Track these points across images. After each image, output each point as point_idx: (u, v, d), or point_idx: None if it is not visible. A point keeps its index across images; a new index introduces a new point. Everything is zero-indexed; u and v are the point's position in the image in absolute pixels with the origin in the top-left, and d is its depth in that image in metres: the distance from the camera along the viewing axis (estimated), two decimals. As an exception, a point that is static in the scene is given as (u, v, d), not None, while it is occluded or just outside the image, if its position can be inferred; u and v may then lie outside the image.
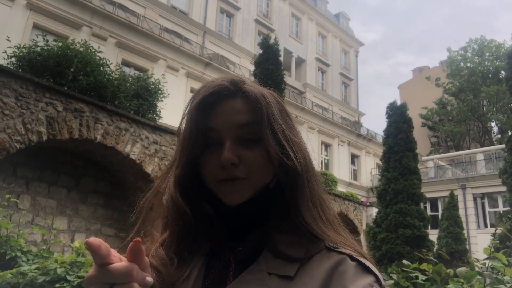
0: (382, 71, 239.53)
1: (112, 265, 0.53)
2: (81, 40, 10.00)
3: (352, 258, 0.68)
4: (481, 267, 2.67)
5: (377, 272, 0.66)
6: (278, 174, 0.74)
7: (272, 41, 9.15)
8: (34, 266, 2.92)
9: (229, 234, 0.75)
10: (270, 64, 8.30)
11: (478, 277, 2.32)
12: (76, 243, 3.90)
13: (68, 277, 2.73)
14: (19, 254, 3.47)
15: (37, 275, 2.78)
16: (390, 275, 2.94)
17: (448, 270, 2.92)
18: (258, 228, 0.74)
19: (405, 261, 2.99)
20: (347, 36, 35.26)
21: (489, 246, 2.71)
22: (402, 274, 2.91)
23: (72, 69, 8.92)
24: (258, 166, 0.72)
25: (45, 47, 8.96)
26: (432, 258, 3.09)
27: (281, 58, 9.65)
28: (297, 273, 0.67)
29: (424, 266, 2.84)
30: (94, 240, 0.53)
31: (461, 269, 2.55)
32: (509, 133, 8.92)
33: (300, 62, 30.11)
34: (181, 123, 0.79)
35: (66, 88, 8.69)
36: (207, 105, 0.75)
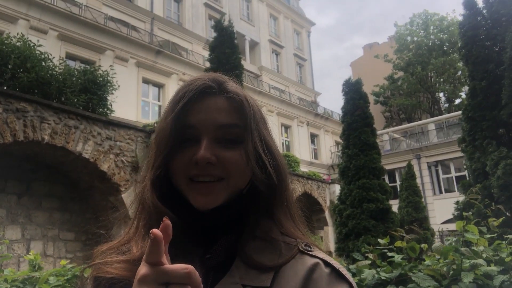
0: (338, 54, 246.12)
1: (169, 266, 0.51)
2: (17, 34, 9.20)
3: (327, 264, 0.67)
4: (451, 240, 2.70)
5: (350, 279, 0.66)
6: (256, 181, 0.71)
7: (226, 23, 8.84)
8: None
9: (197, 240, 0.70)
10: (226, 48, 8.03)
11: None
12: (31, 255, 3.59)
13: (21, 297, 2.51)
14: (-39, 277, 3.10)
15: (-16, 299, 2.53)
16: (366, 255, 2.95)
17: (422, 245, 2.92)
18: (228, 234, 0.70)
19: (380, 240, 2.97)
20: (298, 17, 35.19)
21: (463, 217, 2.74)
22: (375, 251, 2.90)
23: (9, 66, 8.24)
24: (236, 167, 0.69)
25: (-24, 44, 8.19)
26: (404, 234, 3.10)
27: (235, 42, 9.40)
28: (273, 282, 0.65)
29: (398, 243, 2.86)
30: (159, 233, 0.50)
31: (436, 245, 2.54)
32: (464, 102, 9.19)
33: (253, 45, 29.81)
34: (158, 123, 0.76)
35: (5, 88, 8.02)
36: (187, 102, 0.71)
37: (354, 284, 0.66)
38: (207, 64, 9.71)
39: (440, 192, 21.87)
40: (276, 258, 0.68)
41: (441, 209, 20.14)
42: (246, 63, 27.41)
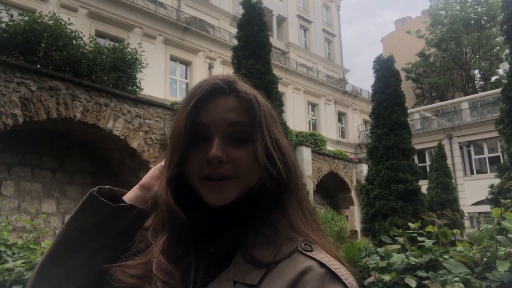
0: (369, 30, 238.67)
1: None
2: (49, 12, 9.36)
3: (322, 265, 0.65)
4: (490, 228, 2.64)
5: (348, 280, 0.64)
6: (263, 178, 0.73)
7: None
8: (20, 261, 2.74)
9: (203, 235, 0.74)
10: (254, 25, 7.79)
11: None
12: (64, 227, 3.73)
13: (57, 270, 2.62)
14: (3, 248, 3.26)
15: (24, 270, 2.61)
16: (395, 238, 2.91)
17: (454, 231, 2.86)
18: (232, 229, 0.73)
19: (411, 224, 2.92)
20: (327, -10, 34.11)
21: (499, 202, 2.71)
22: (404, 235, 2.85)
23: (42, 45, 8.42)
24: (245, 166, 0.72)
25: (11, 23, 8.38)
26: (435, 219, 3.03)
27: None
28: (262, 280, 0.66)
29: (429, 228, 2.81)
30: None
31: (470, 231, 2.48)
32: (502, 80, 8.68)
33: (281, 20, 29.20)
34: (174, 123, 0.77)
35: (38, 66, 8.22)
36: (199, 102, 0.73)
37: (351, 285, 0.64)
38: (235, 42, 9.57)
39: (472, 173, 21.26)
40: (273, 255, 0.69)
41: (471, 190, 19.62)
42: (273, 40, 26.93)
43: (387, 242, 3.03)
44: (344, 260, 0.71)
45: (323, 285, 0.63)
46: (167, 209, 0.72)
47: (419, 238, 2.63)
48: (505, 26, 8.47)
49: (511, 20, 8.27)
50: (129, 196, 0.81)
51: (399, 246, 2.67)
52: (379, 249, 2.78)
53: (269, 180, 0.73)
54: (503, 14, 8.74)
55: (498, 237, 2.21)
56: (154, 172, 0.84)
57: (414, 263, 2.33)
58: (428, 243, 2.52)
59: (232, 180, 0.71)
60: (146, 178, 0.84)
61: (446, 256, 2.33)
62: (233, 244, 0.72)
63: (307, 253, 0.68)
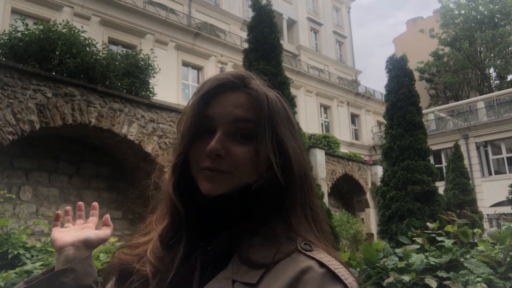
0: (381, 32, 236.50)
1: None
2: (63, 21, 9.53)
3: (322, 265, 0.64)
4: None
5: (348, 281, 0.63)
6: (264, 177, 0.72)
7: (264, 1, 8.64)
8: (38, 263, 2.77)
9: (202, 230, 0.73)
10: (265, 27, 7.73)
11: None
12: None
13: (74, 271, 2.67)
14: (22, 251, 3.33)
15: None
16: (413, 238, 2.85)
17: (475, 230, 2.80)
18: (231, 228, 0.71)
19: (429, 224, 2.86)
20: (338, -8, 34.03)
21: None
22: (423, 235, 2.79)
23: (57, 52, 8.56)
24: (244, 163, 0.71)
25: (26, 32, 8.55)
26: (455, 218, 2.96)
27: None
28: (261, 279, 0.65)
29: (448, 228, 2.76)
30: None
31: (492, 230, 2.43)
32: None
33: (291, 23, 29.27)
34: (182, 115, 0.78)
35: (53, 73, 8.36)
36: (208, 96, 0.74)
37: (352, 286, 0.63)
38: (245, 45, 9.54)
39: (490, 173, 20.83)
40: (271, 255, 0.68)
41: (490, 191, 19.23)
42: (284, 43, 27.02)
43: (405, 243, 2.97)
44: (345, 262, 0.69)
45: (323, 285, 0.62)
46: (169, 196, 0.74)
47: (439, 238, 2.59)
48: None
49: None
50: (58, 264, 0.84)
51: (418, 246, 2.63)
52: (397, 250, 2.73)
53: (266, 182, 0.72)
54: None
55: (522, 235, 2.17)
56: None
57: (434, 263, 2.28)
58: (448, 242, 2.47)
59: (228, 174, 0.71)
60: (59, 241, 0.87)
61: (467, 256, 2.29)
62: (231, 243, 0.71)
63: (307, 253, 0.67)
